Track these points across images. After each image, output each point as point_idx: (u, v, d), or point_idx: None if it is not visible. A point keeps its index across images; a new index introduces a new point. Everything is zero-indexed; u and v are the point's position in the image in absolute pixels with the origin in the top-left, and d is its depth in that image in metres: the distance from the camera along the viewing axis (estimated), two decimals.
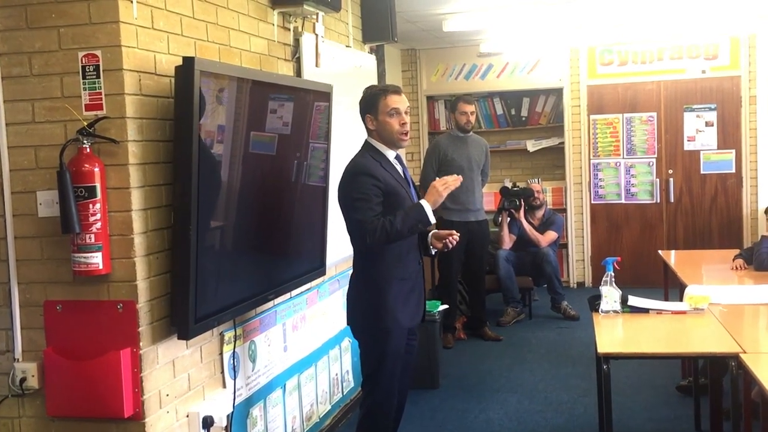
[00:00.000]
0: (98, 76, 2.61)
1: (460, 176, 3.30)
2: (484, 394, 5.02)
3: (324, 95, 3.85)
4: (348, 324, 3.44)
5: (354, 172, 3.26)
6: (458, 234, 3.37)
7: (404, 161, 3.52)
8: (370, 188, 3.18)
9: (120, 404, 2.64)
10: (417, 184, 6.20)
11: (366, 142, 3.39)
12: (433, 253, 3.44)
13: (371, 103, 3.32)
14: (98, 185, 2.59)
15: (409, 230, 3.19)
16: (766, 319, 3.67)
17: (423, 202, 3.20)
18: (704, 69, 7.78)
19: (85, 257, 2.60)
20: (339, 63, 4.48)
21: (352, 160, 3.34)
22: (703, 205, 7.90)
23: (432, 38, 7.51)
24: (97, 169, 2.60)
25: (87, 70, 2.62)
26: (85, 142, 2.59)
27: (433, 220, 3.20)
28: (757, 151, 7.68)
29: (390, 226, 3.13)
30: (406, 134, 3.32)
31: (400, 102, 3.30)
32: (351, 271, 3.47)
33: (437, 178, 3.29)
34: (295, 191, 3.70)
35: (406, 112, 3.32)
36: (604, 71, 8.00)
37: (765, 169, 7.71)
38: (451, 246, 3.37)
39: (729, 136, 7.78)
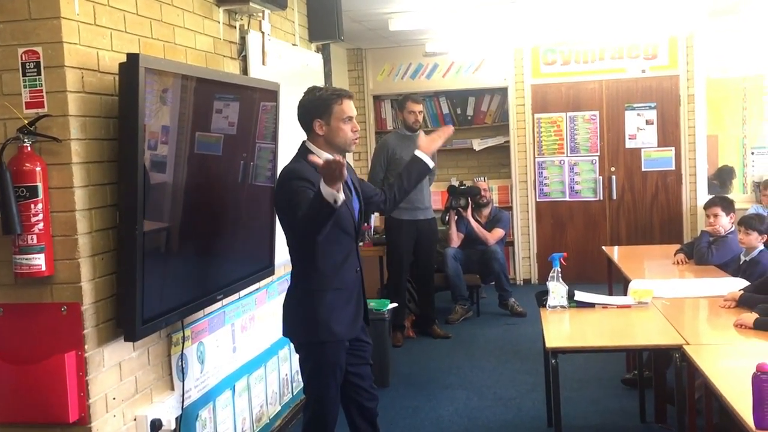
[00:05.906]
0: (39, 73, 2.55)
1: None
2: (433, 391, 5.05)
3: (271, 94, 3.82)
4: (283, 335, 3.31)
5: (290, 177, 3.03)
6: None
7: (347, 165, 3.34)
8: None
9: (65, 409, 2.58)
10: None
11: (303, 146, 3.16)
12: None
13: (322, 108, 3.09)
14: (40, 185, 2.53)
15: (416, 184, 3.43)
16: (707, 311, 3.78)
17: (420, 153, 3.33)
18: (644, 68, 7.97)
19: (26, 259, 2.53)
20: (286, 61, 4.45)
21: (287, 166, 3.14)
22: (645, 201, 8.10)
23: (378, 38, 7.52)
24: (38, 169, 2.53)
25: (27, 67, 2.55)
26: (25, 140, 2.52)
27: (431, 164, 3.37)
28: (695, 149, 7.90)
29: (398, 190, 3.35)
30: (356, 140, 3.21)
31: (353, 109, 3.16)
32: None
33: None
34: (242, 191, 3.66)
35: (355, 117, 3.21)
36: (548, 71, 8.13)
37: (703, 166, 7.95)
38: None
39: (668, 134, 7.98)
